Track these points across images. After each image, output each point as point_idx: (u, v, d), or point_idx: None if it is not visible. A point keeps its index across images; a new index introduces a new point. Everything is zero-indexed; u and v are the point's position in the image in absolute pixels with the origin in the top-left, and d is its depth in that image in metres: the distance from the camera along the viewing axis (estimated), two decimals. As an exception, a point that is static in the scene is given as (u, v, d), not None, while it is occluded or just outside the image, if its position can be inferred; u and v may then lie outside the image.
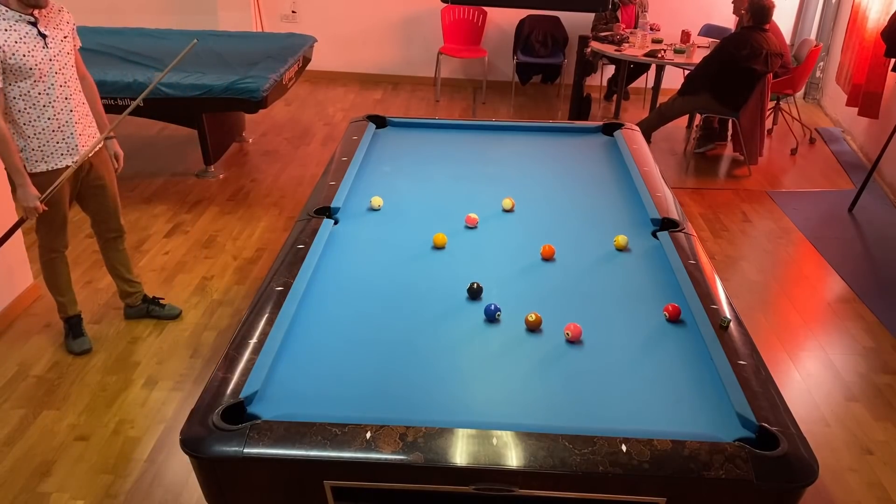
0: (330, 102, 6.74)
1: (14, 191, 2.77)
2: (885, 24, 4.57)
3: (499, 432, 1.64)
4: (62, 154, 2.84)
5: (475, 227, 2.70)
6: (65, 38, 2.80)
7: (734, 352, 1.95)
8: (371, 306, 2.21)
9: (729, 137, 5.87)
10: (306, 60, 5.63)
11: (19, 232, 3.45)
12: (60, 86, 2.78)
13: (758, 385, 1.83)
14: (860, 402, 3.06)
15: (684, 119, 6.09)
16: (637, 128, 3.69)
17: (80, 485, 2.53)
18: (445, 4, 6.42)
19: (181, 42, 5.37)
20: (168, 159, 5.31)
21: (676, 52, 5.57)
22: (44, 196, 2.76)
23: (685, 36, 5.87)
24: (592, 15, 6.32)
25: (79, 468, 2.60)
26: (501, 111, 6.64)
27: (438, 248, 2.55)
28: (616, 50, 5.65)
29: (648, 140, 5.24)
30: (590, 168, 3.29)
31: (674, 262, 2.42)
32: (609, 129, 3.67)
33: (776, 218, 4.70)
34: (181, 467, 2.59)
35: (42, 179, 2.78)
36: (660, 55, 5.51)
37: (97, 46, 5.00)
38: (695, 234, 2.68)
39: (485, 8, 6.81)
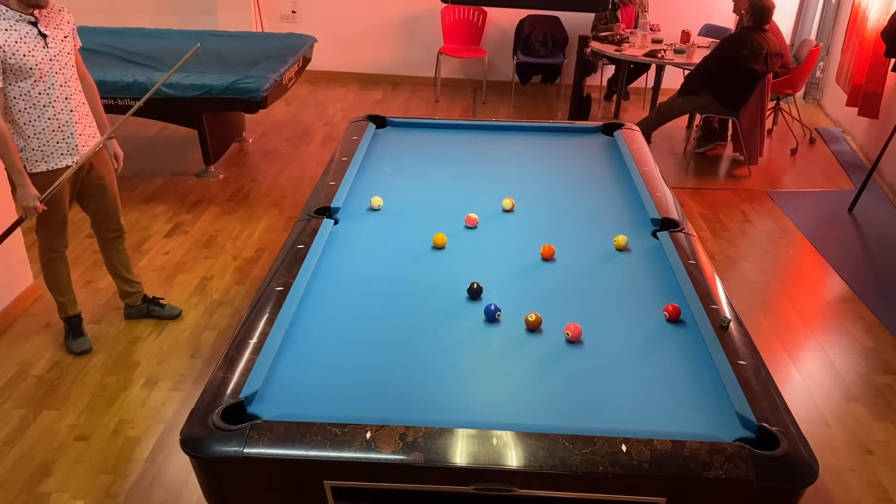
0: (330, 102, 6.74)
1: (14, 190, 2.78)
2: (885, 24, 4.57)
3: (499, 432, 1.64)
4: (62, 154, 2.84)
5: (475, 227, 2.70)
6: (65, 37, 2.80)
7: (734, 352, 1.95)
8: (371, 306, 2.21)
9: (729, 137, 5.87)
10: (306, 60, 5.63)
11: (19, 232, 3.45)
12: (61, 86, 2.78)
13: (758, 385, 1.83)
14: (860, 402, 3.06)
15: (684, 119, 6.10)
16: (637, 128, 3.69)
17: (80, 485, 2.53)
18: (445, 4, 6.42)
19: (181, 42, 5.37)
20: (168, 159, 5.31)
21: (676, 52, 5.57)
22: (44, 196, 2.76)
23: (685, 36, 5.87)
24: (592, 15, 6.32)
25: (79, 468, 2.60)
26: (501, 111, 6.64)
27: (438, 248, 2.55)
28: (616, 50, 5.65)
29: (648, 140, 5.24)
30: (590, 168, 3.29)
31: (674, 262, 2.42)
32: (609, 129, 3.67)
33: (776, 218, 4.70)
34: (181, 467, 2.59)
35: (42, 179, 2.78)
36: (660, 55, 5.51)
37: (97, 46, 5.00)
38: (695, 234, 2.68)
39: (485, 8, 6.81)
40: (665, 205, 2.81)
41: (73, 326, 3.22)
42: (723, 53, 5.05)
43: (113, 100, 4.48)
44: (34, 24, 2.66)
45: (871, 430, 2.91)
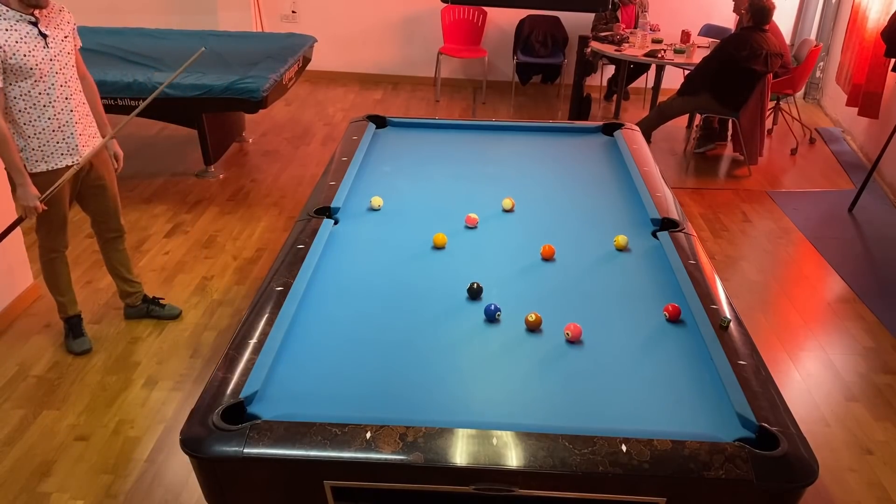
0: (330, 102, 6.74)
1: (14, 190, 2.78)
2: (886, 24, 4.57)
3: (499, 432, 1.64)
4: (62, 154, 2.84)
5: (475, 227, 2.70)
6: (65, 37, 2.80)
7: (734, 352, 1.95)
8: (371, 306, 2.21)
9: (729, 137, 5.87)
10: (306, 60, 5.63)
11: (19, 232, 3.45)
12: (61, 86, 2.78)
13: (758, 385, 1.83)
14: (860, 402, 3.06)
15: (684, 119, 6.10)
16: (637, 128, 3.69)
17: (80, 485, 2.53)
18: (445, 4, 6.42)
19: (181, 42, 5.37)
20: (168, 159, 5.31)
21: (676, 52, 5.57)
22: (44, 196, 2.76)
23: (685, 36, 5.87)
24: (592, 15, 6.32)
25: (79, 468, 2.60)
26: (501, 111, 6.64)
27: (438, 248, 2.55)
28: (616, 50, 5.65)
29: (648, 140, 5.24)
30: (590, 168, 3.29)
31: (674, 262, 2.42)
32: (609, 129, 3.67)
33: (776, 218, 4.70)
34: (181, 467, 2.59)
35: (42, 179, 2.78)
36: (660, 55, 5.51)
37: (97, 46, 5.00)
38: (695, 234, 2.68)
39: (485, 8, 6.81)
40: (665, 205, 2.81)
41: (73, 326, 3.22)
42: (723, 53, 5.05)
43: (113, 100, 4.48)
44: (34, 24, 2.66)
45: (871, 430, 2.91)
